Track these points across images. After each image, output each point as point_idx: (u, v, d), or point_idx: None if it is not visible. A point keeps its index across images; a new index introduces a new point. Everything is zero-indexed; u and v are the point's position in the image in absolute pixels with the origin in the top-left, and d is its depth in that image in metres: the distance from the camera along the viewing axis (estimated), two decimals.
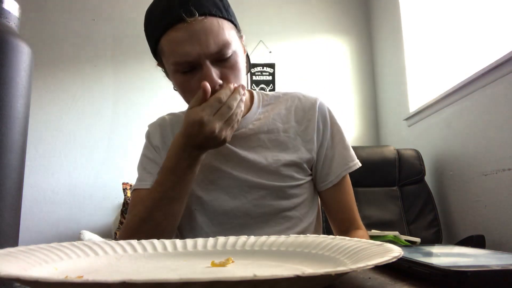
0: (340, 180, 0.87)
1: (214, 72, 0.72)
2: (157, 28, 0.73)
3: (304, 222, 0.86)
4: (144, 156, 0.89)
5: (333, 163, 0.88)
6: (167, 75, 0.81)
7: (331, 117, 0.91)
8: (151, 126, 0.94)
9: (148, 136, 0.92)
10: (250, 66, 1.03)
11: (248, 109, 0.88)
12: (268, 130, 0.86)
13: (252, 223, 0.82)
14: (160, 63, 0.81)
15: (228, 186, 0.83)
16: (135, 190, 0.85)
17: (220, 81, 0.72)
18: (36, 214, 2.68)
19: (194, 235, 0.84)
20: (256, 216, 0.82)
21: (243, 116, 0.86)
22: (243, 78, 0.78)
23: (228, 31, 0.73)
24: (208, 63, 0.71)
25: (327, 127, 0.89)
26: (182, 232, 0.87)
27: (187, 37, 0.69)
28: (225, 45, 0.71)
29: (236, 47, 0.75)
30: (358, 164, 0.89)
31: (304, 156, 0.85)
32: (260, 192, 0.82)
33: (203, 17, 0.69)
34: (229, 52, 0.72)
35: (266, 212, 0.82)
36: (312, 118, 0.88)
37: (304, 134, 0.87)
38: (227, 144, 0.82)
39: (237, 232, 0.80)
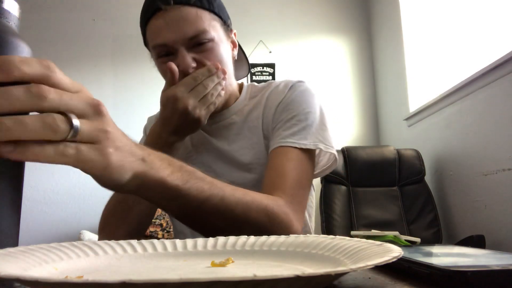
0: (287, 147, 0.74)
1: (189, 56, 0.74)
2: (143, 19, 0.79)
3: None
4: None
5: (285, 132, 0.77)
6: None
7: (299, 93, 0.82)
8: (150, 118, 0.98)
9: (145, 129, 0.96)
10: (249, 65, 1.02)
11: (234, 100, 0.88)
12: (246, 120, 0.85)
13: None
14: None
15: (221, 175, 0.82)
16: None
17: (194, 64, 0.74)
18: (36, 214, 2.68)
19: (182, 229, 0.85)
20: None
21: (229, 106, 0.86)
22: (226, 68, 0.78)
23: (207, 21, 0.75)
24: (183, 48, 0.74)
25: (289, 99, 0.81)
26: (173, 221, 0.91)
27: (164, 24, 0.74)
28: (201, 32, 0.74)
29: (215, 36, 0.76)
30: (315, 146, 0.75)
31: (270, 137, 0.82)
32: (241, 187, 0.81)
33: (180, 5, 0.73)
34: (205, 39, 0.75)
35: None
36: (280, 98, 0.82)
37: (271, 115, 0.82)
38: (207, 135, 0.84)
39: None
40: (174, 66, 0.72)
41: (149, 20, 0.76)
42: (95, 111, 0.37)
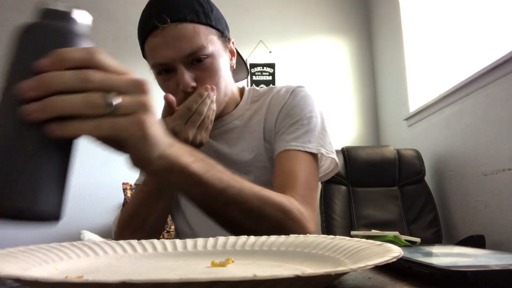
0: (292, 150, 0.77)
1: (188, 75, 0.75)
2: (140, 36, 0.79)
3: None
4: None
5: (289, 136, 0.79)
6: None
7: (301, 99, 0.83)
8: None
9: None
10: (248, 68, 1.04)
11: (236, 105, 0.89)
12: (248, 125, 0.86)
13: None
14: None
15: None
16: (135, 185, 0.92)
17: (194, 84, 0.76)
18: None
19: (182, 228, 0.88)
20: None
21: (230, 112, 0.88)
22: (223, 81, 0.80)
23: (204, 36, 0.76)
24: (181, 66, 0.75)
25: (290, 106, 0.83)
26: (174, 222, 0.93)
27: (162, 42, 0.74)
28: (199, 48, 0.75)
29: (214, 50, 0.77)
30: (318, 150, 0.77)
31: (272, 141, 0.84)
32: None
33: (177, 23, 0.74)
34: (203, 56, 0.76)
35: None
36: (281, 103, 0.84)
37: (273, 121, 0.84)
38: (210, 140, 0.86)
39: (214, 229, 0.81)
40: (171, 98, 0.73)
41: (146, 38, 0.77)
42: (138, 89, 0.39)
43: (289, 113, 0.82)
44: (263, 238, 0.49)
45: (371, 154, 2.21)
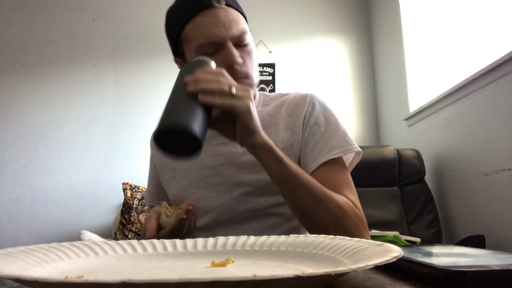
0: (322, 165, 0.81)
1: (236, 52, 0.79)
2: (183, 15, 0.81)
3: (293, 221, 0.85)
4: (149, 169, 1.04)
5: (314, 150, 0.83)
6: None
7: (319, 106, 0.88)
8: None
9: (150, 147, 1.02)
10: (258, 75, 1.06)
11: None
12: (262, 126, 0.87)
13: (238, 220, 0.84)
14: (179, 57, 0.87)
15: (216, 183, 0.86)
16: (148, 205, 1.05)
17: (241, 60, 0.80)
18: (36, 214, 2.68)
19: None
20: (242, 212, 0.83)
21: None
22: (256, 68, 0.85)
23: (244, 23, 0.83)
24: (230, 43, 0.79)
25: (313, 115, 0.86)
26: None
27: (214, 21, 0.78)
28: (244, 33, 0.81)
29: (251, 39, 0.84)
30: (344, 152, 0.81)
31: (295, 150, 0.85)
32: (245, 189, 0.83)
33: (227, 6, 0.80)
34: (247, 40, 0.82)
35: (251, 209, 0.83)
36: (301, 111, 0.87)
37: (294, 126, 0.86)
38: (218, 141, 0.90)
39: (223, 229, 0.83)
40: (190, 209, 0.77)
41: (192, 17, 0.79)
42: (245, 88, 0.64)
43: (315, 122, 0.85)
44: (263, 238, 0.49)
45: (371, 154, 2.21)
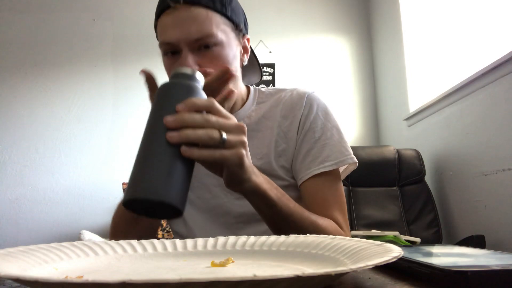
0: (314, 176, 0.79)
1: (191, 59, 0.73)
2: (155, 14, 0.78)
3: None
4: None
5: (307, 158, 0.80)
6: None
7: (317, 108, 0.84)
8: None
9: None
10: (261, 71, 1.01)
11: (242, 105, 0.87)
12: (256, 128, 0.84)
13: (233, 223, 0.82)
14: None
15: (211, 184, 0.83)
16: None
17: (196, 67, 0.73)
18: (36, 214, 2.68)
19: (179, 229, 0.88)
20: (237, 215, 0.81)
21: (236, 110, 0.85)
22: (238, 70, 0.80)
23: (216, 24, 0.74)
24: (186, 49, 0.73)
25: (309, 119, 0.83)
26: (170, 223, 0.94)
27: (171, 22, 0.73)
28: (208, 35, 0.72)
29: (224, 40, 0.75)
30: (337, 165, 0.79)
31: (288, 155, 0.83)
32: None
33: (190, 5, 0.72)
34: (211, 43, 0.73)
35: (246, 212, 0.80)
36: (297, 114, 0.83)
37: (288, 131, 0.83)
38: None
39: (220, 231, 0.81)
40: (147, 73, 0.71)
41: (159, 16, 0.76)
42: (240, 130, 0.52)
43: (311, 127, 0.82)
44: (263, 238, 0.49)
45: (371, 154, 2.21)
